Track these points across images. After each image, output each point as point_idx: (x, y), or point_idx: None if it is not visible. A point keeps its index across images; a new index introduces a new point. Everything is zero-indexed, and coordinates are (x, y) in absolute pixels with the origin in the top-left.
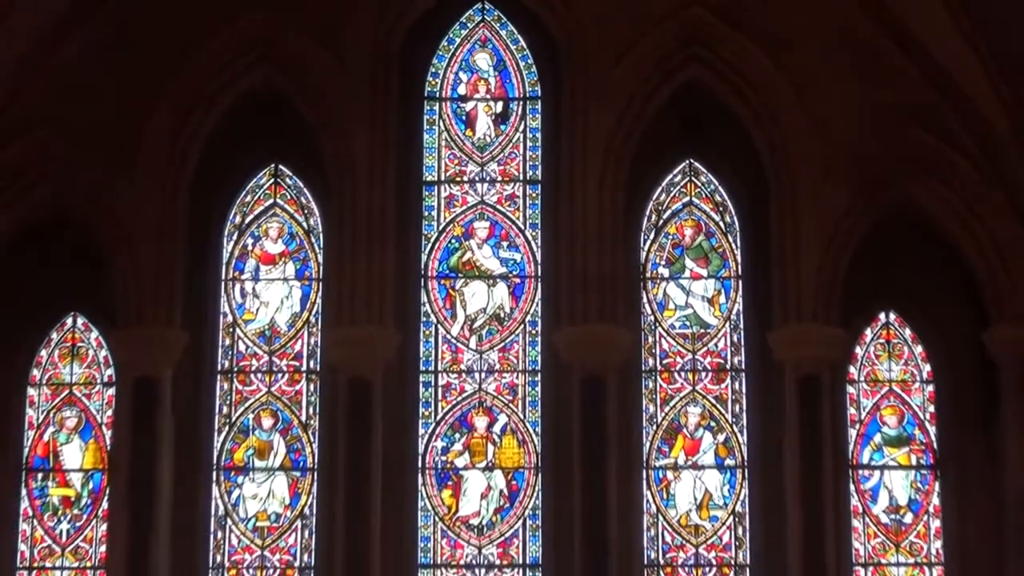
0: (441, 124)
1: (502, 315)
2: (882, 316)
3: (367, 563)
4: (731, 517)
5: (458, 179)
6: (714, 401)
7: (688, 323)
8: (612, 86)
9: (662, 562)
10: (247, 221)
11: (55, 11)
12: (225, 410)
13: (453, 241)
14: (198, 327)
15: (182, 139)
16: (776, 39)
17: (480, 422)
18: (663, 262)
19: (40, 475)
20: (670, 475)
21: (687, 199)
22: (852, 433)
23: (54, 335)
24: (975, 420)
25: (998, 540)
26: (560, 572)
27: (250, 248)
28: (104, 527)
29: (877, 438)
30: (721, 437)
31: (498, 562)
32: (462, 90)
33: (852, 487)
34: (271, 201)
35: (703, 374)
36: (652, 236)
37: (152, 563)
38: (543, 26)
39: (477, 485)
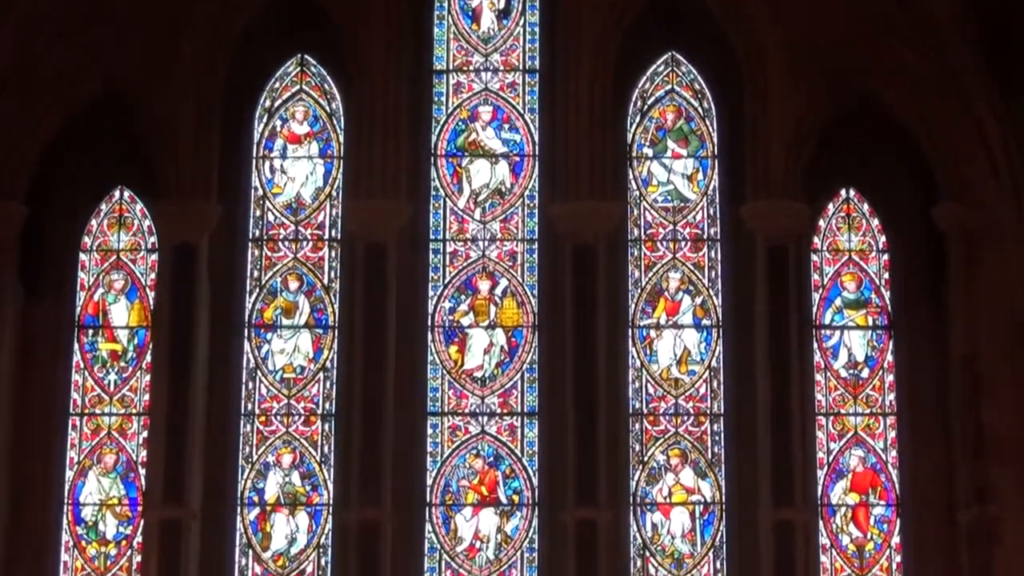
0: (449, 19)
1: (503, 190)
2: (843, 192)
3: (381, 411)
4: (707, 371)
5: (464, 68)
6: (692, 267)
7: (670, 198)
8: None
9: (645, 411)
10: (276, 105)
11: None
12: (256, 274)
13: (460, 124)
14: (232, 200)
15: (219, 31)
16: None
17: (483, 285)
18: (647, 143)
19: (91, 331)
20: (653, 333)
21: (669, 87)
22: (815, 297)
23: (103, 207)
24: (925, 286)
25: (945, 393)
26: (554, 419)
27: (278, 129)
28: (147, 378)
29: (838, 301)
30: (699, 300)
31: (499, 410)
32: None
33: (815, 345)
34: (298, 87)
35: (683, 243)
36: (637, 120)
37: (190, 410)
38: None
39: (480, 341)
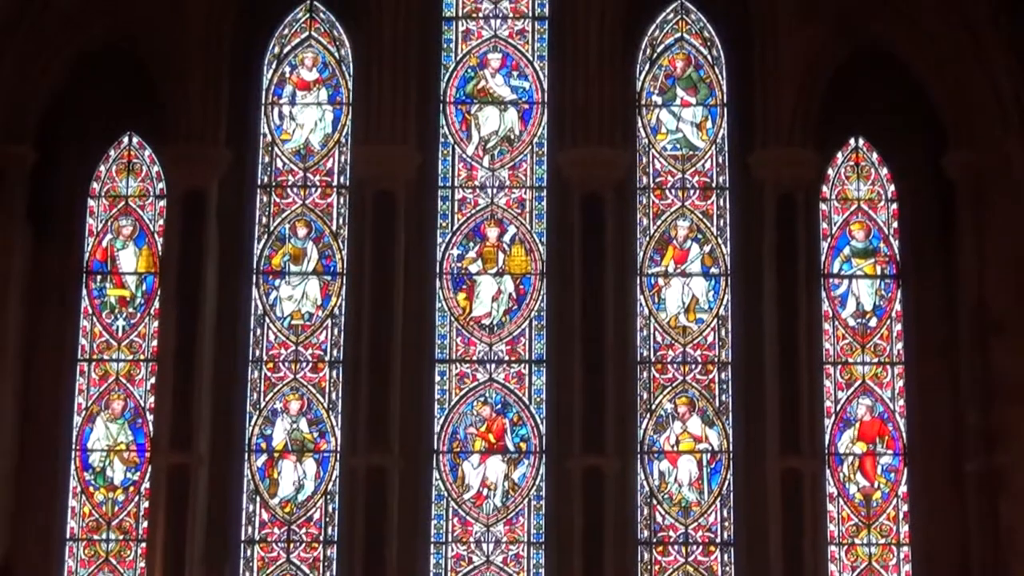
0: None
1: (512, 137)
2: (852, 141)
3: (389, 358)
4: (715, 320)
5: (474, 15)
6: (701, 216)
7: (678, 146)
8: None
9: (653, 359)
10: (285, 51)
11: None
12: (264, 220)
13: (469, 71)
14: (241, 146)
15: None
16: None
17: (492, 232)
18: (656, 91)
19: (99, 277)
20: (661, 281)
21: (678, 35)
22: (824, 246)
23: (112, 152)
24: (934, 235)
25: (954, 343)
26: (562, 367)
27: (287, 76)
28: (156, 324)
29: (846, 250)
30: (707, 248)
31: (506, 358)
32: None
33: (823, 294)
34: (307, 34)
35: (691, 191)
36: (647, 68)
37: (198, 357)
38: None
39: (489, 289)
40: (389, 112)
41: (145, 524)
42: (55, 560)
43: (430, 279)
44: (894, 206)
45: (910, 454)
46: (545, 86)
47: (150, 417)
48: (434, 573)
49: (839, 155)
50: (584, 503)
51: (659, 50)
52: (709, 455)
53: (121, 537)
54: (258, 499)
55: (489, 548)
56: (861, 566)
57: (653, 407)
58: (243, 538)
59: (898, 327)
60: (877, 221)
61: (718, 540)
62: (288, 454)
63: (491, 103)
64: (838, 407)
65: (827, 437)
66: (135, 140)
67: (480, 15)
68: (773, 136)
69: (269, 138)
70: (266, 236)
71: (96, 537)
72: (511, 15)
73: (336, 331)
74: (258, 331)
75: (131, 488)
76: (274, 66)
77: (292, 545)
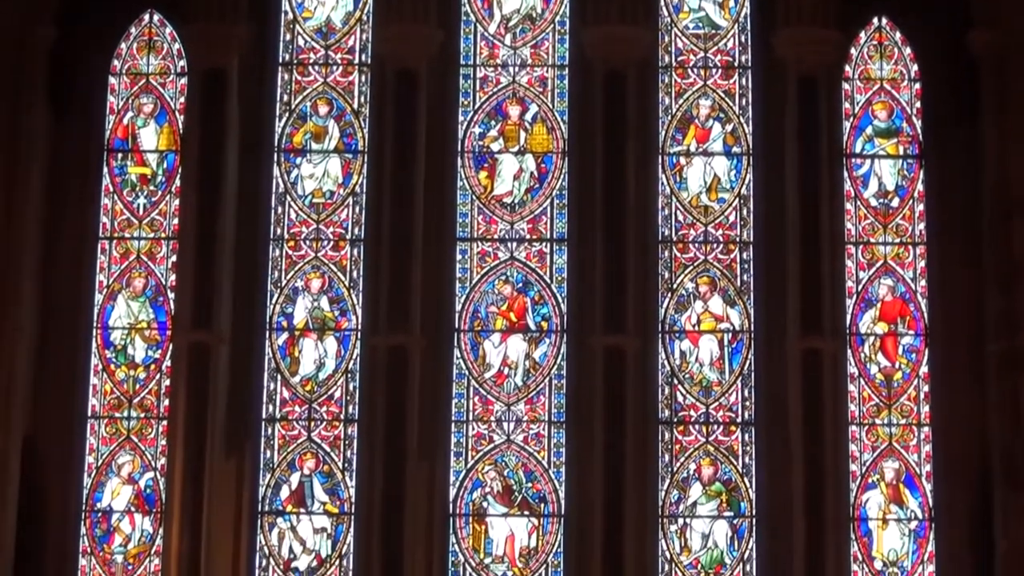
0: None
1: (534, 15)
2: (875, 20)
3: (411, 236)
4: (737, 199)
5: None
6: (723, 95)
7: (701, 24)
8: None
9: (675, 238)
10: None
11: None
12: (285, 98)
13: None
14: (262, 24)
15: None
16: None
17: (513, 111)
18: None
19: (120, 155)
20: (683, 160)
21: None
22: (846, 126)
23: (132, 29)
24: (957, 115)
25: (976, 223)
26: (583, 245)
27: None
28: (176, 202)
29: (868, 130)
30: (729, 127)
31: (528, 236)
32: None
33: (845, 174)
34: None
35: (714, 70)
36: None
37: (219, 235)
38: None
39: (510, 167)
40: None
41: (166, 402)
42: (77, 438)
43: (451, 157)
44: (917, 86)
45: (931, 334)
46: None
47: (171, 295)
48: (454, 452)
49: (862, 34)
50: (605, 382)
51: None
52: (730, 335)
53: (142, 415)
54: (279, 377)
55: (510, 427)
56: (881, 446)
57: (674, 286)
58: (264, 416)
59: (920, 207)
60: (900, 101)
61: (739, 420)
62: (309, 332)
63: None
64: (859, 287)
65: (848, 317)
66: (156, 18)
67: None
68: (796, 15)
69: (291, 15)
70: (287, 114)
71: (117, 415)
72: None
73: (357, 209)
74: (279, 209)
75: (152, 366)
76: None
77: (313, 423)
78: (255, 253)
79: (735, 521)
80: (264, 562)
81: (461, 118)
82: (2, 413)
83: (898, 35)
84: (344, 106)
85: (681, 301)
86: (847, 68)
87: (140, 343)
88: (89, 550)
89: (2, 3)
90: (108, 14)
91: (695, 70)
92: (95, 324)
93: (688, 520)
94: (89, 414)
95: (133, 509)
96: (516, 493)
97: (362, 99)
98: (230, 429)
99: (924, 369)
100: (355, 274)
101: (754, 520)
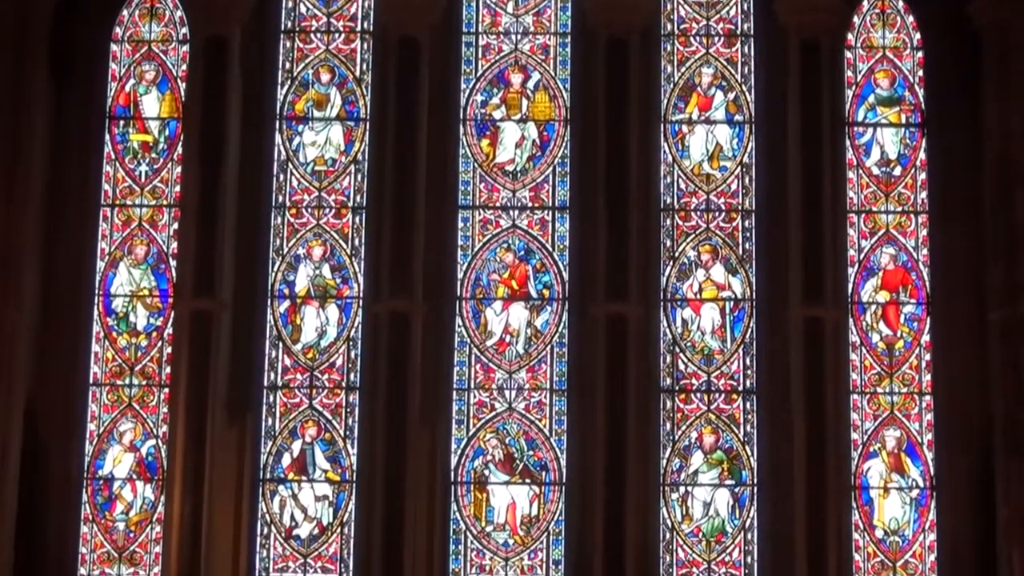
0: None
1: None
2: None
3: (412, 203)
4: (739, 167)
5: None
6: (725, 63)
7: None
8: None
9: (676, 206)
10: None
11: None
12: (287, 66)
13: None
14: None
15: None
16: None
17: (516, 78)
18: None
19: (122, 122)
20: (685, 128)
21: None
22: (848, 94)
23: None
24: (959, 84)
25: (978, 192)
26: (585, 213)
27: None
28: (178, 169)
29: (871, 98)
30: (731, 95)
31: (530, 204)
32: None
33: (847, 142)
34: None
35: (716, 38)
36: None
37: (221, 202)
38: None
39: (512, 135)
40: None
41: (168, 370)
42: (78, 405)
43: (454, 125)
44: (919, 54)
45: (933, 303)
46: None
47: (173, 263)
48: (456, 420)
49: (864, 2)
50: (607, 350)
51: None
52: (732, 303)
53: (144, 382)
54: (281, 345)
55: (511, 395)
56: (883, 415)
57: (676, 254)
58: (266, 384)
59: (922, 176)
60: (902, 69)
61: (740, 388)
62: (311, 300)
63: None
64: (861, 256)
65: (850, 286)
66: None
67: None
68: None
69: None
70: (289, 81)
71: (119, 382)
72: None
73: (359, 177)
74: (281, 177)
75: (154, 333)
76: None
77: (314, 391)
78: (257, 221)
79: (736, 490)
80: (266, 530)
81: (463, 86)
82: (4, 381)
83: (900, 3)
84: (346, 74)
85: (683, 269)
86: (849, 36)
87: (142, 311)
88: (91, 517)
89: None
90: None
91: (697, 38)
92: (97, 292)
93: (689, 488)
94: (91, 382)
95: (135, 477)
96: (517, 461)
97: (364, 67)
98: (232, 397)
99: (926, 338)
100: (357, 242)
101: (755, 488)
